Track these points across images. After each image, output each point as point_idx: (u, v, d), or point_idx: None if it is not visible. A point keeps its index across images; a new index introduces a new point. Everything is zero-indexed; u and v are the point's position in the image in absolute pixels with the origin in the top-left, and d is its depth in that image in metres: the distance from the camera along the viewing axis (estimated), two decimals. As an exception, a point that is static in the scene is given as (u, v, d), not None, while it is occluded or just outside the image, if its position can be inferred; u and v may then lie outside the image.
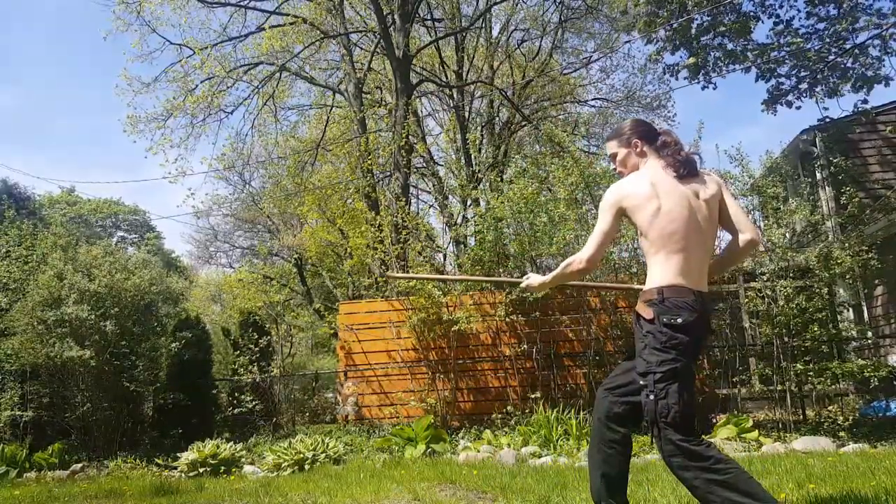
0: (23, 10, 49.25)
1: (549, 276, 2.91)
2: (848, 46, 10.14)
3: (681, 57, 11.09)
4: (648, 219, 2.55)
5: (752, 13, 10.55)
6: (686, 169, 2.64)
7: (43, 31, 52.88)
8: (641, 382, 2.47)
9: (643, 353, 2.48)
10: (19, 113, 55.16)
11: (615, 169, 2.89)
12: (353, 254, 12.12)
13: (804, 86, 10.59)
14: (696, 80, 10.99)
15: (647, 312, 2.50)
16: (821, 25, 10.19)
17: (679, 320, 2.44)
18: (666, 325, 2.44)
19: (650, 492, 3.44)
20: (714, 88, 11.23)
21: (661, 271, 2.54)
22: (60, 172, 66.11)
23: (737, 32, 10.41)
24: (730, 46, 10.69)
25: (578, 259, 2.68)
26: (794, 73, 10.56)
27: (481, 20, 15.59)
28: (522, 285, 3.06)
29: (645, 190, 2.58)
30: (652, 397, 2.40)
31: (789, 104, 10.82)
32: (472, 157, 15.37)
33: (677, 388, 2.39)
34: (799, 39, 10.13)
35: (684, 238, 2.53)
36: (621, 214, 2.65)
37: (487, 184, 13.38)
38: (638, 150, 2.76)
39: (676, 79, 11.63)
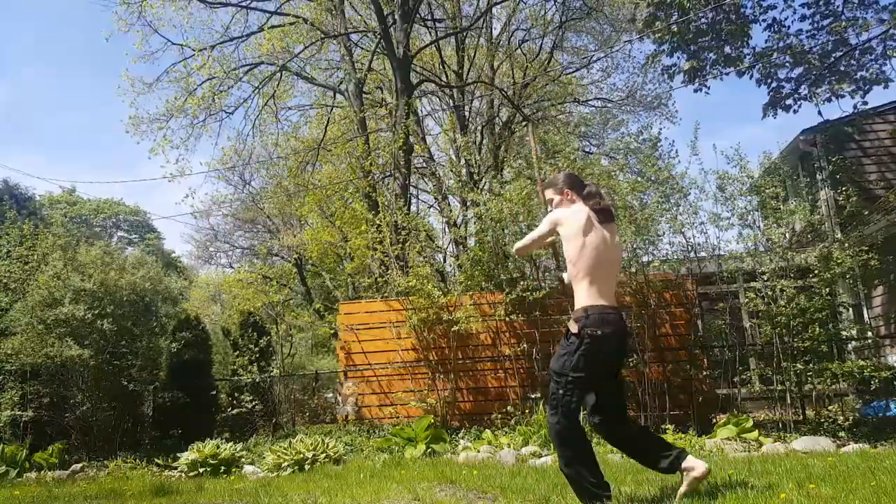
0: (23, 8, 49.31)
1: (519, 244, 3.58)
2: (846, 50, 10.11)
3: (678, 59, 11.05)
4: (577, 250, 3.13)
5: (751, 16, 10.52)
6: (605, 216, 3.26)
7: (44, 32, 52.94)
8: (556, 378, 3.11)
9: (562, 358, 3.10)
10: (19, 113, 55.22)
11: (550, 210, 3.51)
12: (353, 256, 12.09)
13: (804, 90, 10.56)
14: (693, 82, 10.96)
15: (574, 327, 3.10)
16: (826, 21, 10.12)
17: (599, 332, 3.04)
18: (589, 337, 3.03)
19: (649, 491, 3.45)
20: (706, 93, 11.14)
21: (586, 295, 3.12)
22: (60, 172, 66.20)
23: (735, 36, 10.38)
24: (727, 50, 10.66)
25: (516, 246, 3.57)
26: (793, 77, 10.53)
27: (482, 20, 15.57)
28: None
29: (580, 221, 3.15)
30: (561, 392, 3.08)
31: (787, 108, 10.78)
32: (469, 157, 15.34)
33: (578, 394, 3.09)
34: (797, 43, 10.10)
35: (603, 268, 3.15)
36: (555, 230, 3.27)
37: (487, 184, 13.36)
38: (569, 197, 3.37)
39: (672, 80, 11.58)
